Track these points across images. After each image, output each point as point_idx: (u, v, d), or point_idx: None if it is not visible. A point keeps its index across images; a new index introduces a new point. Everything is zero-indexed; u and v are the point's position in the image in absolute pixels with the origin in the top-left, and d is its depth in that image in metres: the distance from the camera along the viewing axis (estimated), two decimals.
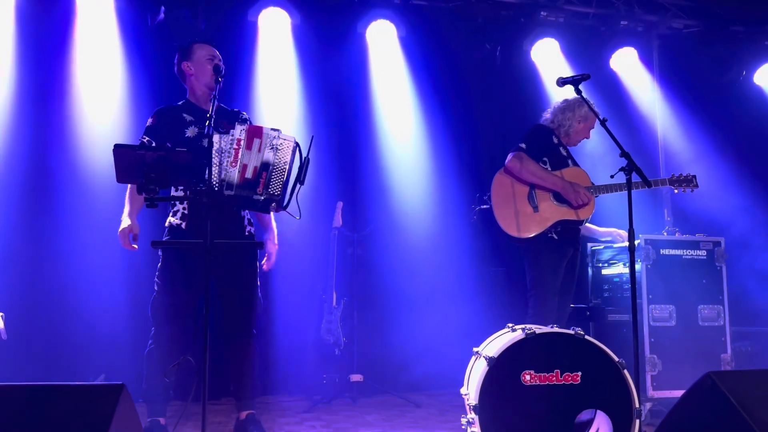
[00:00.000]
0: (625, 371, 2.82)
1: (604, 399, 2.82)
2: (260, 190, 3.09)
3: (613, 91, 6.23)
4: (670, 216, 5.99)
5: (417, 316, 5.44)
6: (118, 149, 2.70)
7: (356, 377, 4.99)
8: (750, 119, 6.29)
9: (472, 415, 2.76)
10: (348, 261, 5.33)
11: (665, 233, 4.64)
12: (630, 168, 3.18)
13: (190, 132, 3.46)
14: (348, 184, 5.71)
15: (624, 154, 3.20)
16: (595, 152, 5.02)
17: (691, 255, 4.48)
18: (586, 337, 2.86)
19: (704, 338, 4.41)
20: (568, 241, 3.97)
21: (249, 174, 3.07)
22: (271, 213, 3.51)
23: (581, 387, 2.79)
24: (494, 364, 2.76)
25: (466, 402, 2.94)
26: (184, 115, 3.51)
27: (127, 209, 3.42)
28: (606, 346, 2.90)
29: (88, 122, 5.03)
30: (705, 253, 4.50)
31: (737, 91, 6.31)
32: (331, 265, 5.17)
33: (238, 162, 3.06)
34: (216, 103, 3.03)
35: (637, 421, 2.80)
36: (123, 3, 5.16)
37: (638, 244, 4.35)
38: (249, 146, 3.08)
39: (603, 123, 3.33)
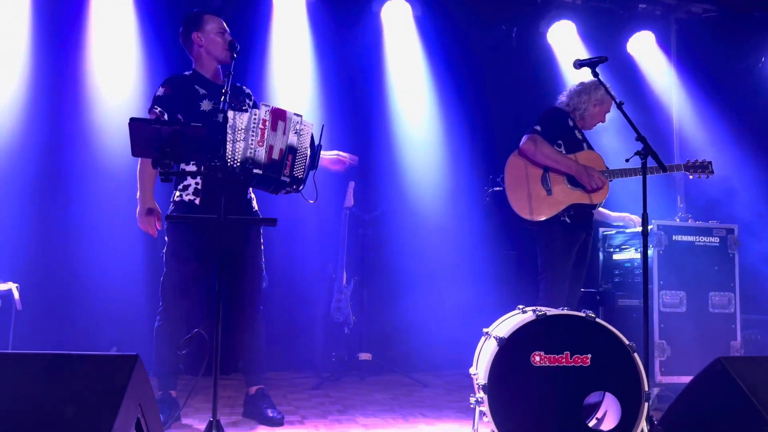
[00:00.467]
0: (635, 354, 2.82)
1: (614, 381, 2.82)
2: (287, 172, 3.12)
3: (630, 75, 6.17)
4: (683, 202, 5.96)
5: (426, 297, 5.46)
6: (134, 123, 2.70)
7: (365, 356, 5.03)
8: (767, 106, 6.22)
9: (480, 394, 2.78)
10: (359, 241, 5.34)
11: (678, 219, 4.61)
12: (646, 152, 3.16)
13: (205, 106, 3.43)
14: (360, 164, 5.68)
15: (640, 138, 3.18)
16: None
17: (704, 242, 4.46)
18: (597, 319, 2.86)
19: (714, 325, 4.40)
20: (580, 225, 3.96)
21: (276, 155, 3.10)
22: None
23: (591, 369, 2.80)
24: (504, 344, 2.76)
25: (475, 381, 2.96)
26: (197, 86, 3.47)
27: (142, 189, 3.39)
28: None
29: (101, 95, 5.04)
30: (718, 240, 4.47)
31: (755, 78, 6.24)
32: (341, 244, 5.19)
33: (265, 142, 3.08)
34: (231, 78, 3.03)
35: (646, 404, 2.80)
36: None
37: (651, 229, 4.34)
38: (274, 128, 3.10)
39: (620, 106, 3.31)
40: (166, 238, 3.46)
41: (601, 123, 4.20)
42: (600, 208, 4.22)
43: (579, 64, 3.50)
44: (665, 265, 4.36)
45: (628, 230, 4.65)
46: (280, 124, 3.13)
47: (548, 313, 2.85)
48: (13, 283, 3.94)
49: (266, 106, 3.15)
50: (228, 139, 2.99)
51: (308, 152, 3.20)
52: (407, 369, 5.14)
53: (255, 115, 3.09)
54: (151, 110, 3.42)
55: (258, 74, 5.37)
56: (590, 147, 4.07)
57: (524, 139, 3.94)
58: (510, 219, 3.98)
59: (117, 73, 5.08)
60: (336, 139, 5.36)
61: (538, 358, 2.78)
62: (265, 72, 5.46)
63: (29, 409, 1.83)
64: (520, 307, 3.14)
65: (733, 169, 5.76)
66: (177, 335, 3.26)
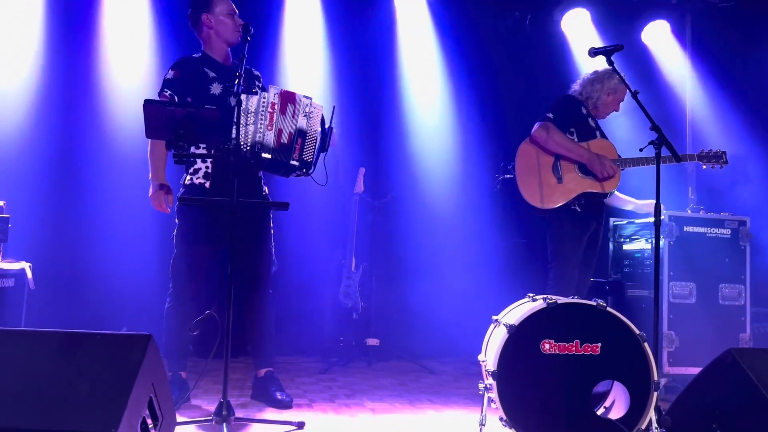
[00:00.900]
0: (645, 344, 2.82)
1: (623, 370, 2.82)
2: (296, 156, 3.12)
3: (644, 64, 6.12)
4: (695, 193, 5.92)
5: (435, 283, 5.46)
6: (149, 105, 2.71)
7: (373, 341, 5.05)
8: None
9: (489, 381, 2.78)
10: (368, 227, 5.35)
11: (689, 210, 4.59)
12: (660, 142, 3.13)
13: (215, 89, 3.42)
14: (371, 150, 5.70)
15: (654, 127, 3.15)
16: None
17: (715, 233, 4.43)
18: (608, 308, 2.86)
19: (723, 317, 4.38)
20: (591, 214, 3.95)
21: (285, 139, 3.10)
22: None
23: (600, 358, 2.80)
24: (514, 331, 2.76)
25: (484, 368, 2.96)
26: (206, 69, 3.46)
27: (154, 169, 3.40)
28: None
29: (115, 78, 5.05)
30: (729, 232, 4.45)
31: None
32: (351, 230, 5.20)
33: (274, 126, 3.07)
34: (244, 61, 3.02)
35: (655, 394, 2.80)
36: None
37: (662, 220, 4.31)
38: (283, 111, 3.10)
39: (635, 95, 3.26)
40: (176, 221, 3.47)
41: (615, 112, 4.17)
42: (616, 192, 4.20)
43: (594, 52, 3.46)
44: (676, 256, 4.35)
45: (638, 221, 4.63)
46: (290, 107, 3.12)
47: (559, 302, 2.84)
48: (26, 262, 3.96)
49: (275, 88, 3.13)
50: (240, 123, 2.99)
51: (318, 135, 3.19)
52: (415, 355, 5.15)
53: (264, 98, 3.09)
54: (161, 93, 3.42)
55: (270, 58, 5.36)
56: (603, 135, 4.05)
57: (536, 126, 3.93)
58: (520, 207, 3.97)
59: (129, 57, 5.08)
60: (347, 123, 5.36)
61: (547, 346, 2.78)
62: (277, 56, 5.45)
63: (43, 386, 1.86)
64: (530, 295, 3.14)
65: (746, 160, 5.71)
66: (187, 317, 3.28)
